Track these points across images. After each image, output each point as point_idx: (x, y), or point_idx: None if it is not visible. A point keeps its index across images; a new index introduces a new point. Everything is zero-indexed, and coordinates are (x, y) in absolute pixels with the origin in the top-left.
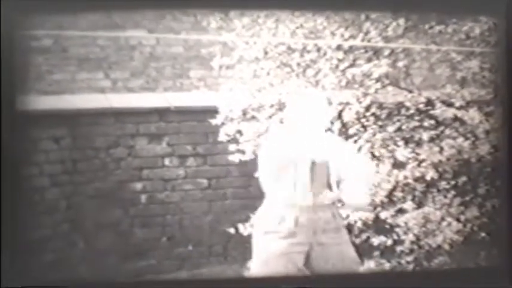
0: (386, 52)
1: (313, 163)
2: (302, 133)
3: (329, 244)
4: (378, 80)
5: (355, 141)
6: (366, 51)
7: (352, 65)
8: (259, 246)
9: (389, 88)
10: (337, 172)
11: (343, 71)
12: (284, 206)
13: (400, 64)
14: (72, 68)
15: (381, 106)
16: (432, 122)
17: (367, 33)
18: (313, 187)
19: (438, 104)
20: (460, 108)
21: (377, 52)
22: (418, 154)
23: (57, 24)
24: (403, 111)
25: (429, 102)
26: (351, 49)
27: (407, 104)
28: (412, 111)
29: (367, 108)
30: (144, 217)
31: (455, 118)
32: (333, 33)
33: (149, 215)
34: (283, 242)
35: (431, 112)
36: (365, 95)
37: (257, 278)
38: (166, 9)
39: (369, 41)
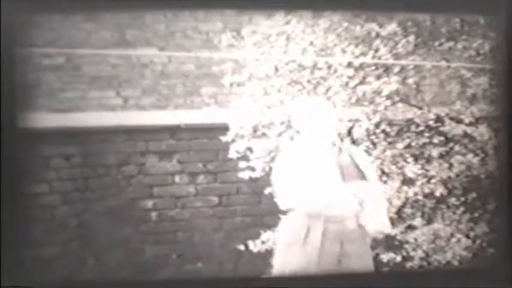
0: (397, 69)
1: (342, 171)
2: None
3: (355, 255)
4: (388, 97)
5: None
6: (376, 69)
7: (362, 82)
8: (282, 258)
9: (399, 105)
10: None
11: (354, 88)
12: (309, 217)
13: (410, 81)
14: (84, 85)
15: (390, 123)
16: (442, 138)
17: (377, 50)
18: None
19: (448, 121)
20: (469, 124)
21: (387, 69)
22: (427, 170)
23: (69, 42)
24: (412, 128)
25: (439, 119)
26: (361, 66)
27: (417, 120)
28: (421, 128)
29: (377, 125)
30: (154, 234)
31: (465, 134)
32: (343, 51)
33: (160, 232)
34: (309, 253)
35: (441, 129)
36: (375, 112)
37: (261, 278)
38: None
39: (379, 58)
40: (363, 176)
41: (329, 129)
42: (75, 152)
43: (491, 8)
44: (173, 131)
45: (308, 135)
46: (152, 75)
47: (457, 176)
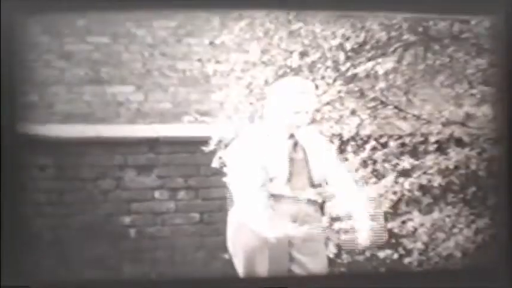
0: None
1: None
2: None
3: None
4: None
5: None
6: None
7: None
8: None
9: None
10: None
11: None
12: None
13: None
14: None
15: None
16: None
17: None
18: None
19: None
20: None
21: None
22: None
23: (42, 80)
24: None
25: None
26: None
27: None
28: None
29: None
30: (133, 252)
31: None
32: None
33: (138, 250)
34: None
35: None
36: None
37: (252, 278)
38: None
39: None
40: (311, 181)
41: (304, 111)
42: (49, 163)
43: (491, 10)
44: (152, 144)
45: (269, 124)
46: (128, 114)
47: (456, 168)
